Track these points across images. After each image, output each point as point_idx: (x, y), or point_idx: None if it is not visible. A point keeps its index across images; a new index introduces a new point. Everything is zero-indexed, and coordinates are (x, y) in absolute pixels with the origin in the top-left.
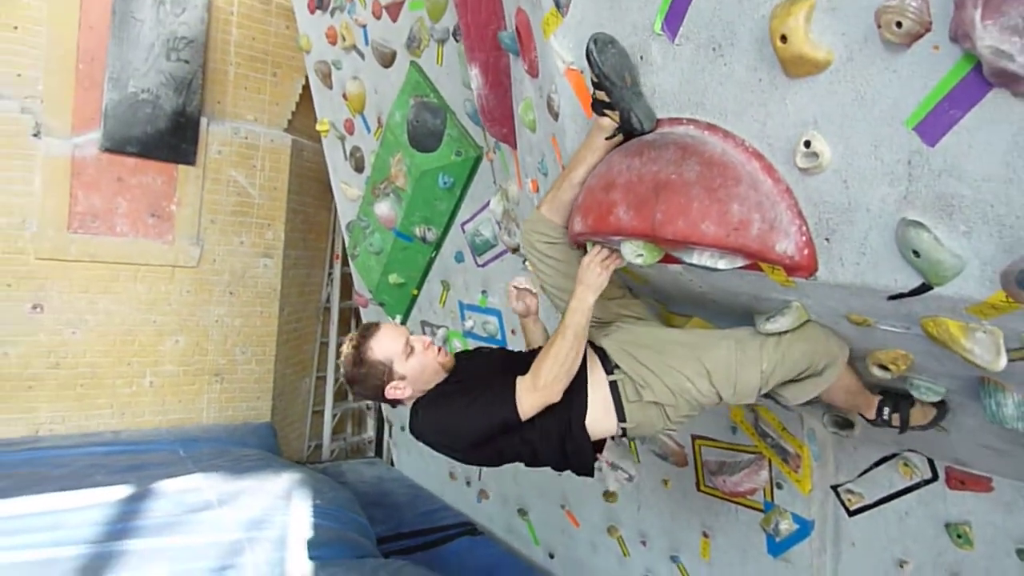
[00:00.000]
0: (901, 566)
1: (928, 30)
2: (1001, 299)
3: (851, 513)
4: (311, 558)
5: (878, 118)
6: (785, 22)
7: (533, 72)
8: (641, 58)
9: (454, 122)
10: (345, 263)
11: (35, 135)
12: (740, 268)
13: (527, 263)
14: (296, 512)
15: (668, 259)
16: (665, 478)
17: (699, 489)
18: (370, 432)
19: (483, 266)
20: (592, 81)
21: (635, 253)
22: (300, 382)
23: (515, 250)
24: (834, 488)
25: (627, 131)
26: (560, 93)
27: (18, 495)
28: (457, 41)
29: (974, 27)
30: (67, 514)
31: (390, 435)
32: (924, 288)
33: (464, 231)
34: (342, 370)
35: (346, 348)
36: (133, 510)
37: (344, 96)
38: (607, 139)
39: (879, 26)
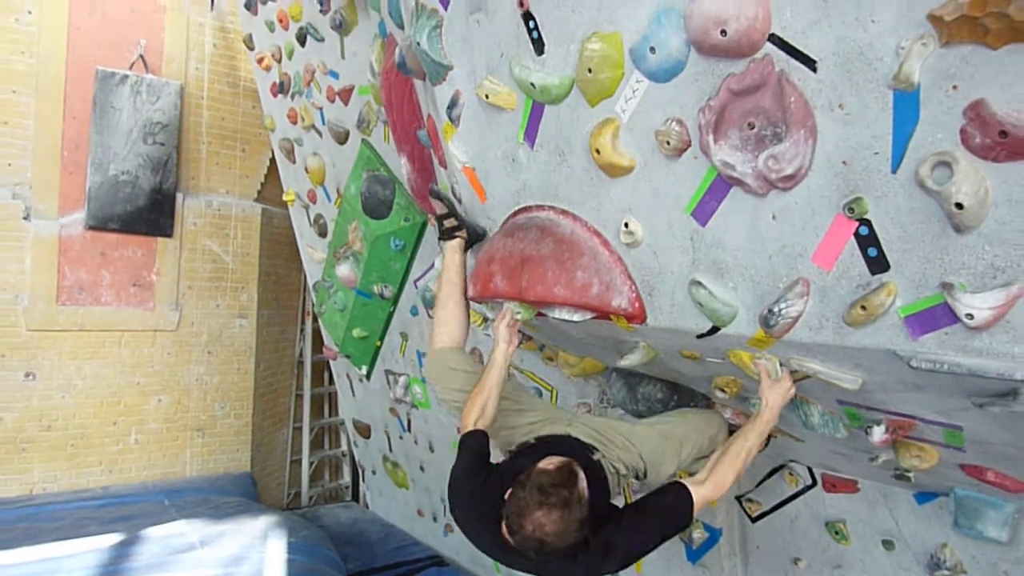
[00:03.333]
0: (796, 563)
1: (689, 145)
2: (761, 335)
3: (753, 520)
4: None
5: (669, 206)
6: (597, 139)
7: (443, 164)
8: (512, 160)
9: (402, 192)
10: (316, 319)
11: (25, 218)
12: (593, 319)
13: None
14: (272, 549)
15: (540, 314)
16: None
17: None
18: (346, 478)
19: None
20: (439, 217)
21: (515, 312)
22: (278, 433)
23: None
24: (738, 498)
25: (476, 239)
26: (461, 183)
27: (17, 547)
28: None
29: (709, 147)
30: (64, 560)
31: (363, 479)
32: (715, 329)
33: (416, 287)
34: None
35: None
36: (123, 554)
37: (306, 169)
38: (464, 252)
39: (658, 142)
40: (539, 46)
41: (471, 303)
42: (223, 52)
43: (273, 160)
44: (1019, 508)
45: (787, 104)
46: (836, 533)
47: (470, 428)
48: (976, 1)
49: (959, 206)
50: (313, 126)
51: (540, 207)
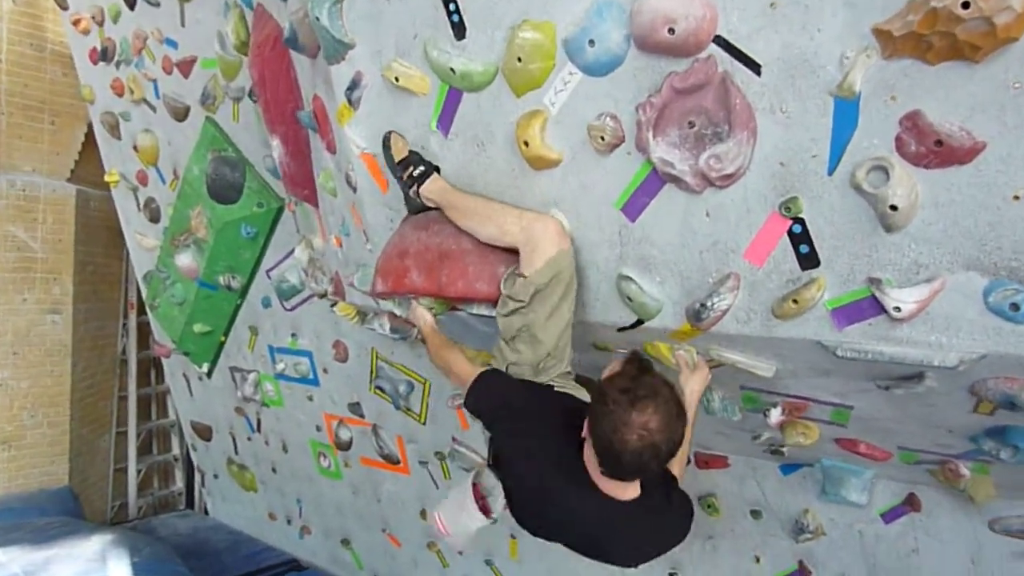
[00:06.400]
0: None
1: (623, 141)
2: (687, 328)
3: None
4: None
5: (597, 201)
6: (526, 131)
7: (331, 149)
8: (423, 148)
9: (254, 175)
10: (141, 312)
11: None
12: None
13: (335, 308)
14: (115, 572)
15: (454, 308)
16: None
17: None
18: (179, 484)
19: (291, 310)
20: (401, 163)
21: (428, 306)
22: (99, 440)
23: (323, 295)
24: None
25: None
26: (357, 171)
27: None
28: (253, 101)
29: (649, 143)
30: None
31: (203, 484)
32: (639, 322)
33: (270, 278)
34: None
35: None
36: None
37: (135, 147)
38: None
39: (590, 137)
40: (460, 30)
41: (380, 297)
42: (25, 10)
43: (90, 135)
44: (876, 474)
45: (732, 105)
46: (708, 507)
47: (478, 372)
48: (926, 20)
49: (894, 208)
50: (144, 99)
51: None
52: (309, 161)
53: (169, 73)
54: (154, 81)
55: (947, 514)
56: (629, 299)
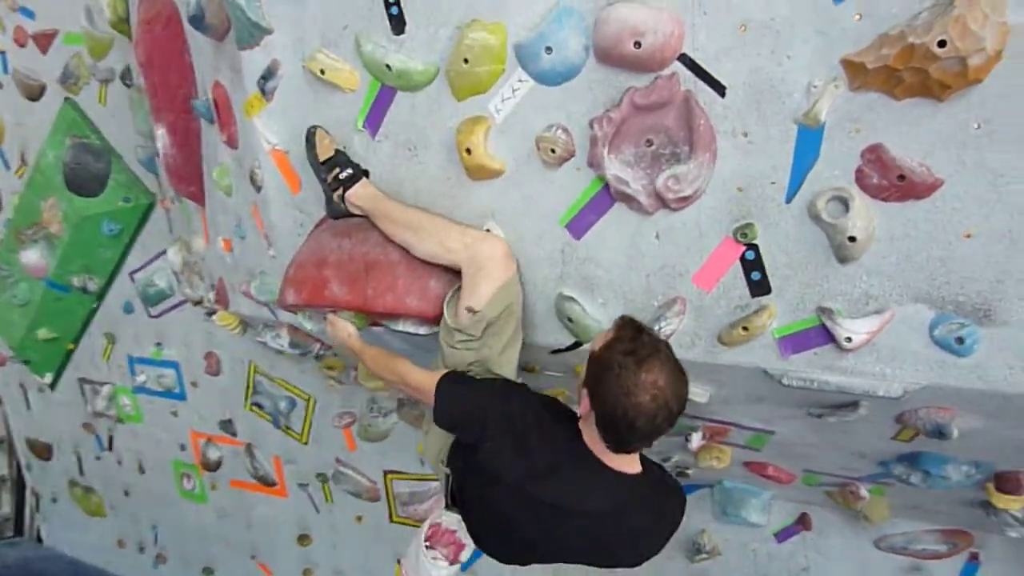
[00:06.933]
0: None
1: (573, 155)
2: None
3: None
4: None
5: (540, 216)
6: (469, 138)
7: (232, 144)
8: (345, 147)
9: (121, 166)
10: None
11: None
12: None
13: (214, 316)
14: None
15: (375, 324)
16: (359, 515)
17: (391, 520)
18: (6, 508)
19: (157, 317)
20: (325, 163)
21: (348, 319)
22: None
23: (198, 302)
24: None
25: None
26: (264, 169)
27: None
28: (127, 85)
29: (603, 160)
30: None
31: (37, 509)
32: (577, 344)
33: (135, 280)
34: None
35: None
36: None
37: None
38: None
39: (538, 149)
40: (398, 24)
41: (289, 309)
42: None
43: None
44: (773, 495)
45: (695, 125)
46: None
47: (439, 378)
48: (902, 55)
49: (852, 239)
50: None
51: None
52: (199, 154)
53: (22, 46)
54: (3, 53)
55: (837, 533)
56: (570, 320)
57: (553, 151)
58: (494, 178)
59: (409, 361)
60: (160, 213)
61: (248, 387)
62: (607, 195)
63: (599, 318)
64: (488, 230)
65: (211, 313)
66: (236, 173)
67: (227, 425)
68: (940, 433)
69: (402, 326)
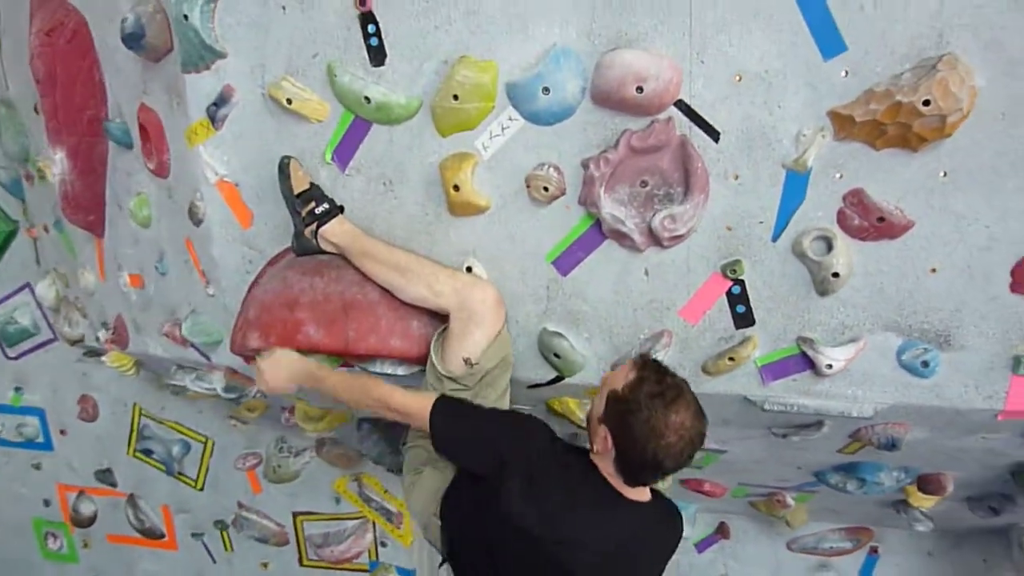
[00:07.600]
0: None
1: (563, 193)
2: None
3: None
4: None
5: (526, 253)
6: (457, 175)
7: (161, 173)
8: (312, 183)
9: None
10: None
11: None
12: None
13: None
14: None
15: (346, 364)
16: (264, 561)
17: (302, 564)
18: None
19: (16, 358)
20: (301, 196)
21: (320, 361)
22: None
23: (74, 342)
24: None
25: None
26: (207, 201)
27: None
28: None
29: (599, 199)
30: None
31: None
32: (559, 379)
33: None
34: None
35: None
36: None
37: None
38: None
39: (528, 186)
40: (378, 56)
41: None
42: None
43: None
44: (698, 508)
45: (693, 168)
46: None
47: (433, 402)
48: (890, 111)
49: (836, 275)
50: None
51: None
52: (101, 181)
53: None
54: None
55: (752, 539)
56: (556, 356)
57: (546, 189)
58: (478, 215)
59: (383, 381)
60: (25, 242)
61: (133, 432)
62: (597, 232)
63: (584, 352)
64: (469, 268)
65: (92, 353)
66: (160, 204)
67: (105, 475)
68: (892, 446)
69: (380, 367)
